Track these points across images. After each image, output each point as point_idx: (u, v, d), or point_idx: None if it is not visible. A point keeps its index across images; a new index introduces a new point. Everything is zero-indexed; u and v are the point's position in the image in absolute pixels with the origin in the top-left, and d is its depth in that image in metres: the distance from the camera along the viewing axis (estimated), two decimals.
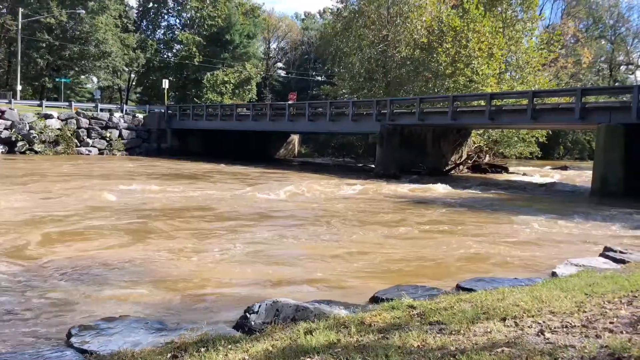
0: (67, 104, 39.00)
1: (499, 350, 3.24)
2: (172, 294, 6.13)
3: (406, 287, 5.69)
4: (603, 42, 64.54)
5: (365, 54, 36.48)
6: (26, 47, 43.45)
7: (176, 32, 56.02)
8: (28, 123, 33.06)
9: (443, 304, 4.52)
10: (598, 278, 5.59)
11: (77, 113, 35.92)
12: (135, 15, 58.26)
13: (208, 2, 54.01)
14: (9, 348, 4.38)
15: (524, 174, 28.86)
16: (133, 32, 52.30)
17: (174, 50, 56.27)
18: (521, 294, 4.77)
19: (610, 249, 7.85)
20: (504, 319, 3.97)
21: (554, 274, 6.59)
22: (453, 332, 3.68)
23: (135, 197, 14.75)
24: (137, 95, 62.44)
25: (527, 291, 4.94)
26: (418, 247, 9.26)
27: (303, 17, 79.30)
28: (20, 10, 41.19)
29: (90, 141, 35.12)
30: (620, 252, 7.67)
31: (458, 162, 29.34)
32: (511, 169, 30.67)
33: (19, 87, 41.11)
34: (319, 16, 74.19)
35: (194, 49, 51.35)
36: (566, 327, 3.73)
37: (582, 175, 28.09)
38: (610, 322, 3.78)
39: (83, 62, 47.68)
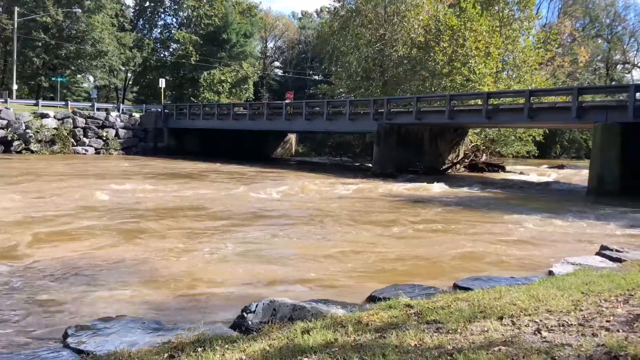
0: (64, 103, 38.88)
1: (496, 349, 3.24)
2: (165, 294, 6.12)
3: (403, 286, 5.70)
4: (600, 41, 64.73)
5: (362, 53, 36.48)
6: (22, 46, 43.30)
7: (173, 31, 55.94)
8: (24, 122, 32.94)
9: (440, 303, 4.52)
10: (595, 277, 5.61)
11: (74, 112, 35.82)
12: (132, 14, 58.14)
13: (205, 1, 53.91)
14: (3, 349, 4.36)
15: (521, 173, 28.90)
16: (129, 31, 52.20)
17: (171, 50, 56.18)
18: (518, 293, 4.79)
19: (606, 248, 7.87)
20: (501, 318, 3.97)
21: (550, 273, 6.60)
22: (450, 331, 3.69)
23: (128, 196, 14.69)
24: (134, 94, 62.33)
25: (524, 290, 4.95)
26: (414, 247, 9.26)
27: (300, 16, 79.30)
28: (16, 9, 41.03)
29: (86, 140, 35.04)
30: (617, 250, 7.68)
31: (455, 161, 29.37)
32: (508, 168, 30.72)
33: (15, 87, 40.95)
34: (316, 15, 74.19)
35: (191, 48, 51.27)
36: (563, 325, 3.74)
37: (578, 174, 28.14)
38: (607, 321, 3.79)
39: (79, 61, 47.55)
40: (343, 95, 39.25)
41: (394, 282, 6.15)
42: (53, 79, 44.92)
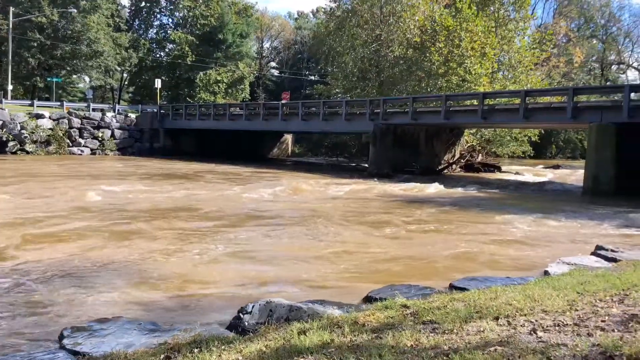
0: (59, 103, 38.77)
1: (492, 349, 3.25)
2: (159, 295, 6.10)
3: (399, 287, 5.70)
4: (594, 42, 64.92)
5: (358, 54, 36.51)
6: (17, 46, 43.12)
7: (169, 32, 55.85)
8: (19, 123, 32.82)
9: (436, 303, 4.53)
10: (590, 276, 5.63)
11: (69, 113, 35.72)
12: (128, 14, 57.99)
13: (201, 1, 53.85)
14: None
15: (517, 173, 28.98)
16: (125, 32, 52.05)
17: (167, 50, 56.08)
18: (514, 293, 4.80)
19: (601, 248, 7.90)
20: (496, 318, 3.98)
21: (546, 273, 6.61)
22: (446, 332, 3.69)
23: (121, 197, 14.65)
24: (130, 94, 62.18)
25: (519, 290, 4.97)
26: (409, 247, 9.27)
27: (296, 16, 79.31)
28: (11, 9, 40.87)
29: (82, 141, 34.93)
30: (612, 250, 7.71)
31: (451, 161, 29.43)
32: (504, 168, 30.79)
33: (10, 87, 40.80)
34: (312, 15, 74.26)
35: (187, 49, 51.19)
36: (558, 325, 3.75)
37: (574, 174, 28.25)
38: (602, 321, 3.81)
39: (75, 61, 47.37)
40: (339, 95, 39.25)
41: (390, 283, 6.16)
42: (48, 79, 44.77)
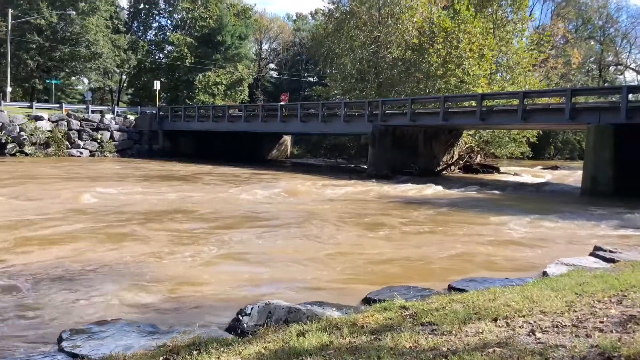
0: (58, 105, 38.69)
1: (491, 350, 3.26)
2: (157, 298, 6.09)
3: (398, 288, 5.71)
4: (592, 43, 65.02)
5: (356, 55, 36.52)
6: (16, 48, 43.09)
7: (167, 33, 55.81)
8: (18, 125, 32.79)
9: (435, 305, 4.53)
10: (588, 277, 5.63)
11: (68, 115, 35.67)
12: (126, 16, 57.97)
13: (199, 3, 53.86)
14: None
15: (515, 174, 29.01)
16: (124, 33, 52.04)
17: (166, 52, 56.05)
18: (512, 294, 4.80)
19: (600, 249, 7.90)
20: (495, 319, 3.99)
21: (544, 274, 6.62)
22: (445, 333, 3.70)
23: (118, 199, 14.62)
24: (129, 96, 62.14)
25: (518, 291, 4.97)
26: (408, 248, 9.27)
27: (295, 18, 79.26)
28: (10, 11, 40.82)
29: (81, 143, 34.91)
30: (610, 251, 7.72)
31: (449, 162, 29.45)
32: (502, 169, 30.81)
33: (9, 89, 40.74)
34: (310, 17, 74.20)
35: (186, 50, 51.19)
36: (557, 326, 3.76)
37: (572, 175, 28.26)
38: (601, 322, 3.81)
39: (74, 63, 47.34)
40: (338, 97, 39.27)
41: (388, 284, 6.15)
42: (47, 81, 44.71)
